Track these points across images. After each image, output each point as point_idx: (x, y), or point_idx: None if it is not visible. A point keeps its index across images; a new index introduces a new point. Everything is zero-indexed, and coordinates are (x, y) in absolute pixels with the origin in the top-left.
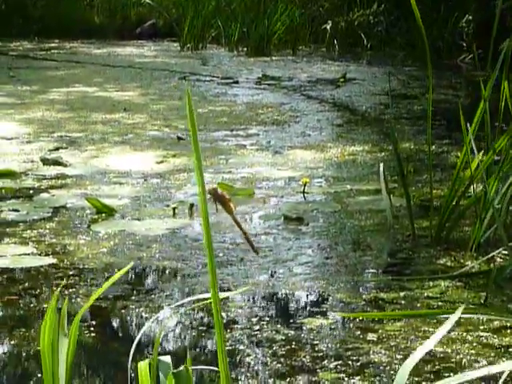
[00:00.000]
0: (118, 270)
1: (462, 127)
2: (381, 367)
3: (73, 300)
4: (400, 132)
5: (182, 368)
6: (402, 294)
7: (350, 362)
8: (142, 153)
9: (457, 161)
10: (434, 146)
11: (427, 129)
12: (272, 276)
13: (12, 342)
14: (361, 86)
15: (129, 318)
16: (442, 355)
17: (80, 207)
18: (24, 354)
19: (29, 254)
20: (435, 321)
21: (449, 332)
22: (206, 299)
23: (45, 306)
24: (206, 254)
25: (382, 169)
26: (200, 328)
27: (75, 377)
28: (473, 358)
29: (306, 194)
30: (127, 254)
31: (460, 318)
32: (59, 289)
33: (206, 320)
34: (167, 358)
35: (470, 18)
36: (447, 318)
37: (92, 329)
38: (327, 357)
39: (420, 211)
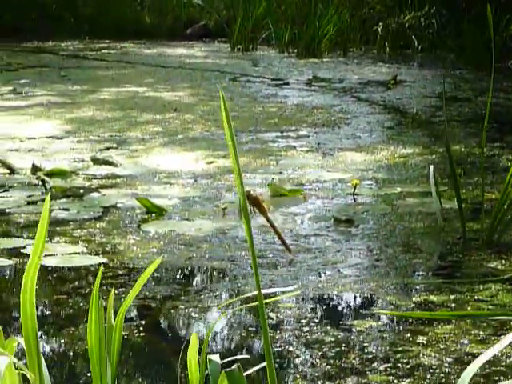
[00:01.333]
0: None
1: None
2: (430, 370)
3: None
4: (451, 134)
5: (234, 367)
6: (452, 297)
7: (399, 365)
8: (192, 153)
9: (508, 164)
10: (485, 149)
11: (482, 131)
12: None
13: (61, 341)
14: (411, 88)
15: (178, 317)
16: (491, 358)
17: (130, 207)
18: (72, 353)
19: (79, 253)
20: (485, 324)
21: (498, 335)
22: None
23: None
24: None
25: (431, 171)
26: (249, 329)
27: (124, 375)
28: None
29: (355, 196)
30: (177, 253)
31: (510, 321)
32: (96, 286)
33: (255, 321)
34: (217, 358)
35: None
36: (497, 321)
37: (141, 328)
38: (377, 359)
39: (470, 214)
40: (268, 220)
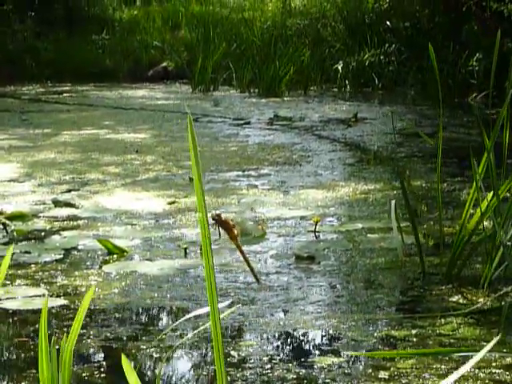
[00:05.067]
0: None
1: (472, 166)
2: None
3: (84, 341)
4: (412, 170)
5: None
6: (413, 331)
7: None
8: (153, 194)
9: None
10: (445, 184)
11: (442, 166)
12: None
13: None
14: (372, 125)
15: (140, 358)
16: None
17: (91, 248)
18: None
19: (40, 296)
20: (447, 358)
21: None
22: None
23: (56, 347)
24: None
25: (393, 206)
26: (210, 367)
27: None
28: None
29: (317, 233)
30: (139, 294)
31: (471, 355)
32: (43, 324)
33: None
34: None
35: (481, 56)
36: (460, 356)
37: (102, 369)
38: None
39: (432, 249)
40: (238, 246)
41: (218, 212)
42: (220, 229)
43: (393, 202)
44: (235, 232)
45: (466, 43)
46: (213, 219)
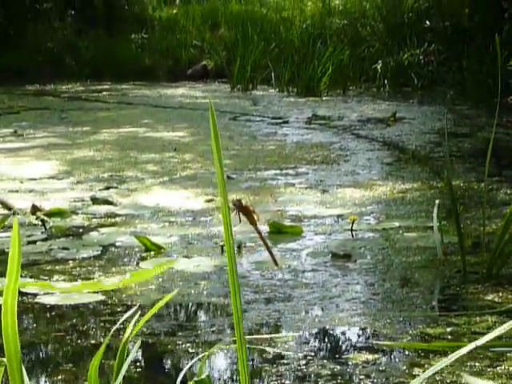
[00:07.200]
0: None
1: None
2: None
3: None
4: (450, 170)
5: (204, 376)
6: (448, 329)
7: None
8: (191, 192)
9: (507, 198)
10: (483, 184)
11: (481, 166)
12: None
13: (59, 377)
14: (411, 125)
15: (175, 353)
16: None
17: (129, 245)
18: None
19: (78, 292)
20: (482, 356)
21: (495, 367)
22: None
23: (92, 342)
24: (252, 291)
25: (436, 206)
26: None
27: None
28: None
29: (354, 232)
30: (175, 290)
31: (506, 352)
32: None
33: (253, 356)
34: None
35: None
36: (494, 353)
37: (138, 364)
38: None
39: (468, 248)
40: (257, 230)
41: (237, 197)
42: (240, 215)
43: (436, 201)
44: (255, 217)
45: (506, 43)
46: (233, 205)
